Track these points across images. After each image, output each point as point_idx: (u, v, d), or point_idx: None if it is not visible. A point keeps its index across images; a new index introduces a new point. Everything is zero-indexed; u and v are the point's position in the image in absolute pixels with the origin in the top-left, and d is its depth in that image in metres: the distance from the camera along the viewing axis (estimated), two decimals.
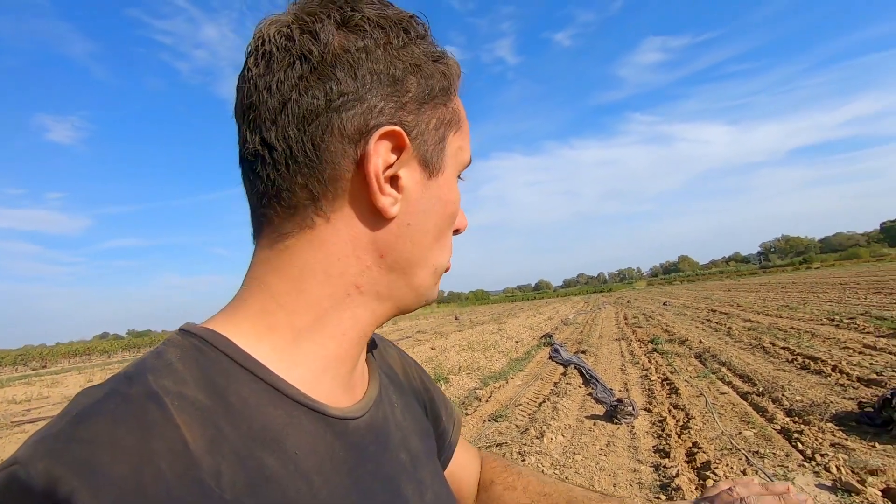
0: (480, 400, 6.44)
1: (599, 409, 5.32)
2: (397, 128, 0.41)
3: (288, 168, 0.39)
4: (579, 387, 6.56)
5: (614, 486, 3.44)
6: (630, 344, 10.16)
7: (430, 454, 0.55)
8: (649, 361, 7.85)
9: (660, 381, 6.44)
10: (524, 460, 3.91)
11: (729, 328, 10.33)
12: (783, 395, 4.95)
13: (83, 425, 0.30)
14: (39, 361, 36.14)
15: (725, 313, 14.02)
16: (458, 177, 0.49)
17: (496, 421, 5.35)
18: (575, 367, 7.68)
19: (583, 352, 9.43)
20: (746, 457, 3.62)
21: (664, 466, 3.62)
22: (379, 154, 0.40)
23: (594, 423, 4.92)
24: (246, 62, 0.41)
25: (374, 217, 0.42)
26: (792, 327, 9.44)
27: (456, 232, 0.51)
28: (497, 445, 4.57)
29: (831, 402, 4.57)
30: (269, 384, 0.38)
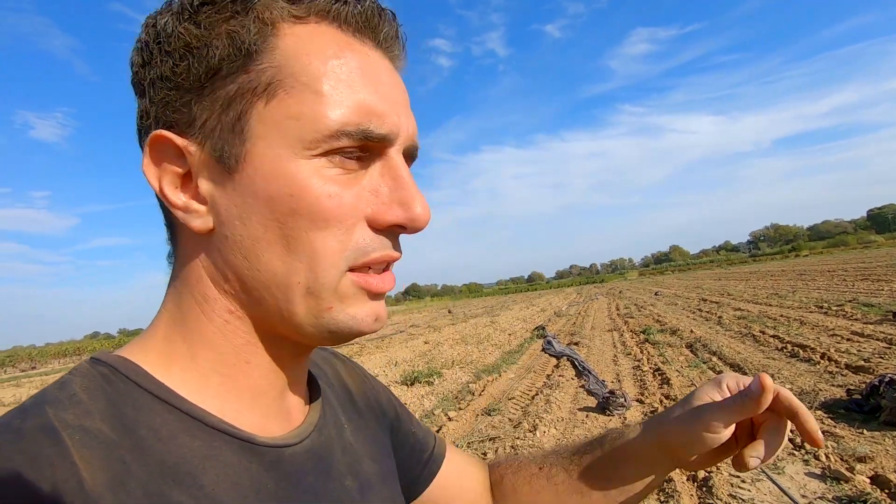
0: (474, 394, 6.44)
1: (592, 401, 5.33)
2: (160, 131, 0.36)
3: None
4: (572, 379, 6.58)
5: None
6: (622, 335, 10.21)
7: (387, 477, 0.51)
8: (641, 352, 7.89)
9: (651, 371, 6.47)
10: (517, 454, 3.91)
11: (719, 317, 10.41)
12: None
13: None
14: (29, 363, 35.77)
15: (716, 302, 14.13)
16: (335, 152, 0.36)
17: (489, 415, 5.35)
18: (567, 359, 7.70)
19: (575, 343, 9.47)
20: None
21: None
22: (156, 165, 0.37)
23: (587, 416, 4.93)
24: None
25: (197, 237, 0.38)
26: (781, 315, 9.53)
27: (400, 229, 0.39)
28: (490, 440, 4.57)
29: (820, 389, 4.62)
30: (186, 413, 0.35)
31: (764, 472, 3.15)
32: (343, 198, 0.36)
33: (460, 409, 5.77)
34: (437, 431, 4.93)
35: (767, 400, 0.48)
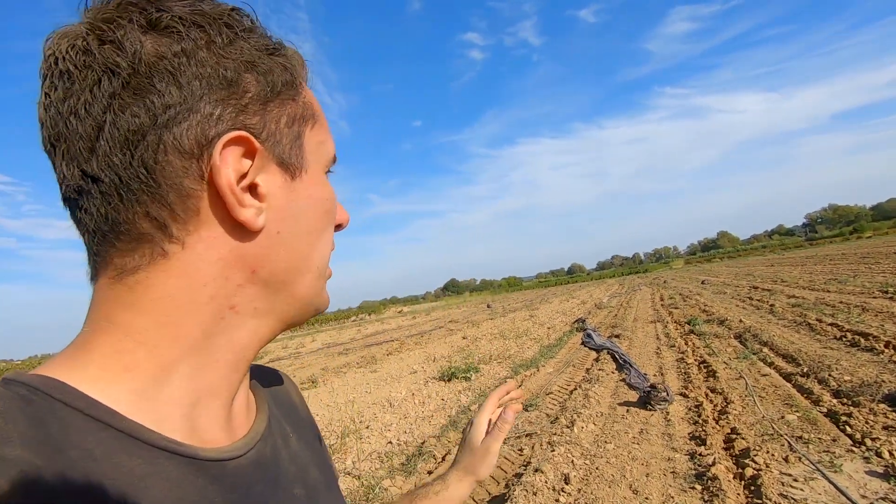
0: None
1: (633, 396, 5.18)
2: (243, 132, 0.37)
3: (122, 199, 0.35)
4: (612, 372, 6.41)
5: (647, 475, 3.33)
6: (666, 326, 9.86)
7: (331, 485, 0.52)
8: (686, 344, 7.60)
9: (696, 363, 6.22)
10: (553, 450, 3.84)
11: (771, 306, 9.89)
12: (830, 375, 4.68)
13: None
14: None
15: (768, 290, 13.43)
16: (328, 172, 0.47)
17: (526, 410, 5.29)
18: (608, 353, 7.50)
19: (616, 336, 9.22)
20: (789, 442, 3.43)
21: (700, 454, 3.48)
22: (228, 164, 0.37)
23: (627, 410, 4.79)
24: (42, 87, 0.36)
25: (239, 232, 0.38)
26: (841, 302, 8.94)
27: (338, 227, 0.50)
28: (527, 435, 4.52)
29: (884, 381, 4.28)
30: (121, 431, 0.33)
31: (819, 470, 2.96)
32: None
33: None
34: None
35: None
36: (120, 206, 0.35)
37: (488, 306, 31.63)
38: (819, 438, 3.47)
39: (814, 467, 3.02)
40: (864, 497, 2.66)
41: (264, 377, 0.56)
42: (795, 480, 2.94)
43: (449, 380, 7.52)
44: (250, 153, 0.38)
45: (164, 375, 0.37)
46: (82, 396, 0.33)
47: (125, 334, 0.36)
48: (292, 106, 0.42)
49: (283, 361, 14.70)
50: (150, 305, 0.36)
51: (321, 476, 0.50)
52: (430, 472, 4.00)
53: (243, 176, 0.38)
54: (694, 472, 3.26)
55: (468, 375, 7.52)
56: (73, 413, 0.32)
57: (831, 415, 3.82)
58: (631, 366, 6.33)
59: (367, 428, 5.62)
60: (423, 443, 4.78)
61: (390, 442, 5.04)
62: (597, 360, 7.30)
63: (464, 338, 13.29)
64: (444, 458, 4.24)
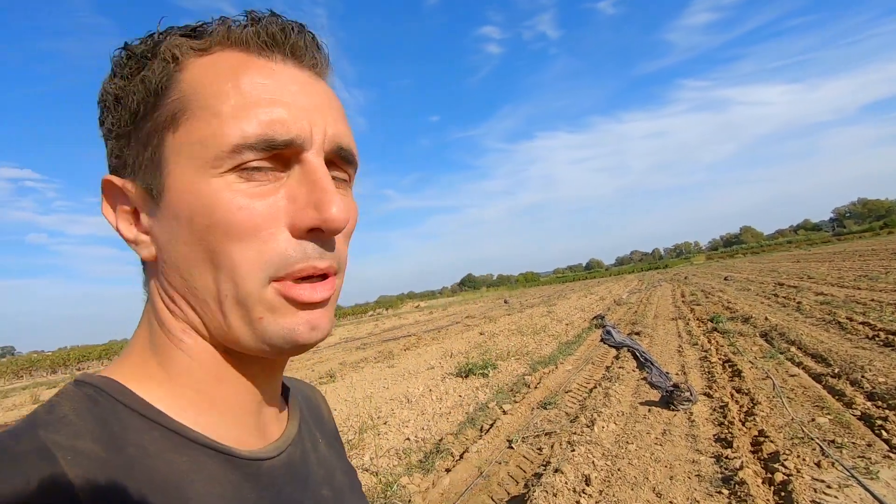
0: (529, 386, 6.32)
1: (655, 395, 5.07)
2: (105, 176, 0.41)
3: None
4: (633, 371, 6.29)
5: (671, 478, 3.24)
6: (688, 323, 9.66)
7: (356, 488, 0.55)
8: (709, 342, 7.42)
9: (721, 362, 6.06)
10: (573, 450, 3.77)
11: (799, 303, 9.60)
12: (863, 376, 4.50)
13: None
14: None
15: (794, 287, 13.06)
16: (245, 167, 0.36)
17: (545, 408, 5.22)
18: (628, 350, 7.38)
19: (637, 333, 9.07)
20: (821, 447, 3.30)
21: (726, 457, 3.37)
22: (111, 207, 0.41)
23: (649, 410, 4.68)
24: None
25: (150, 266, 0.42)
26: (872, 300, 8.63)
27: (316, 232, 0.38)
28: (546, 434, 4.45)
29: None
30: (170, 430, 0.37)
31: (854, 476, 2.84)
32: (255, 209, 0.37)
33: (515, 402, 5.67)
34: (492, 425, 4.87)
35: None
36: None
37: (505, 302, 31.50)
38: (853, 443, 3.34)
39: (848, 473, 2.90)
40: None
41: (300, 390, 0.59)
42: (829, 487, 2.83)
43: (466, 376, 7.48)
44: (122, 192, 0.40)
45: (182, 387, 0.40)
46: (136, 398, 0.37)
47: (144, 345, 0.42)
48: (149, 121, 0.39)
49: (302, 356, 14.86)
50: (146, 322, 0.42)
51: (346, 479, 0.53)
52: (447, 470, 3.97)
53: (132, 213, 0.41)
54: (720, 475, 3.16)
55: (485, 372, 7.47)
56: (130, 413, 0.36)
57: (865, 418, 3.67)
58: (652, 364, 6.21)
59: (385, 424, 5.62)
60: (440, 440, 4.75)
61: (408, 438, 5.02)
62: (617, 357, 7.18)
63: (481, 333, 13.24)
64: (461, 456, 4.20)
